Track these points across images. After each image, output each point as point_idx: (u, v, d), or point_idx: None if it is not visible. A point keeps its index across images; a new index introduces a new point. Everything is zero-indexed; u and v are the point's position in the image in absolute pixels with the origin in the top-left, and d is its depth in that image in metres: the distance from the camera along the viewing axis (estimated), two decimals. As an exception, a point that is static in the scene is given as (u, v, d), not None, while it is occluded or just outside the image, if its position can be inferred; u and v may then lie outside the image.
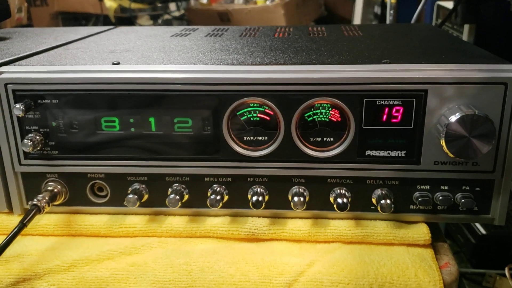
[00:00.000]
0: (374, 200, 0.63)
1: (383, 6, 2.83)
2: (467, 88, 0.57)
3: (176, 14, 3.79)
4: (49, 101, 0.62)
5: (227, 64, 0.62)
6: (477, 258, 1.26)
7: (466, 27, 1.30)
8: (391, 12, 2.80)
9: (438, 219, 0.64)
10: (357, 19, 2.79)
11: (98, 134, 0.63)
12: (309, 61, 0.63)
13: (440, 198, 0.62)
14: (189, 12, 3.84)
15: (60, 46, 0.79)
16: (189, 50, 0.72)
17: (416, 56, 0.66)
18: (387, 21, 2.47)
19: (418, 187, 0.62)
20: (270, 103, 0.59)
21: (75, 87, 0.61)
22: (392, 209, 0.60)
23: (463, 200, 0.61)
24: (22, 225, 0.59)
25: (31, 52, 0.73)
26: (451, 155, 0.57)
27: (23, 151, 0.64)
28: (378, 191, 0.62)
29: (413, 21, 1.25)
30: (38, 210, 0.62)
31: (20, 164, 0.65)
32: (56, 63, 0.65)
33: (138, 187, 0.65)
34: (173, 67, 0.62)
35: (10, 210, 0.67)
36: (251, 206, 0.62)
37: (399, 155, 0.61)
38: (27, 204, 0.67)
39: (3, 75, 0.61)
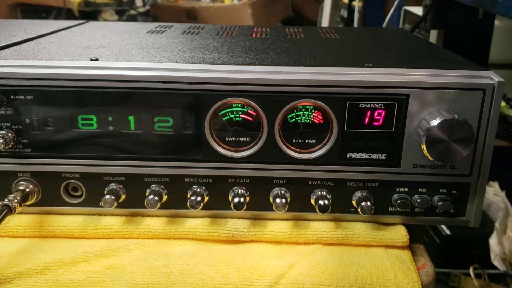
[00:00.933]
0: (354, 202, 0.63)
1: (350, 9, 2.87)
2: (447, 93, 0.58)
3: (142, 10, 3.73)
4: (23, 97, 0.59)
5: (210, 63, 0.61)
6: (442, 258, 1.29)
7: (434, 32, 1.33)
8: (358, 15, 2.84)
9: (415, 221, 0.65)
10: (324, 22, 2.82)
11: (74, 132, 0.61)
12: (292, 63, 0.62)
13: (418, 200, 0.62)
14: (155, 8, 3.80)
15: (31, 40, 0.76)
16: (168, 48, 0.71)
17: (396, 60, 0.67)
18: (355, 25, 2.51)
19: (397, 189, 0.63)
20: (253, 103, 0.59)
21: (52, 83, 0.59)
22: (372, 211, 0.61)
23: (440, 203, 0.62)
24: (-8, 226, 0.57)
25: (0, 45, 0.70)
26: (431, 159, 0.58)
27: (-6, 149, 0.61)
28: (358, 193, 0.63)
29: (384, 25, 1.27)
30: (9, 210, 0.59)
31: (-10, 163, 0.62)
32: (30, 57, 0.63)
33: (115, 187, 0.63)
34: (155, 64, 0.60)
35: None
36: (232, 208, 0.61)
37: (380, 157, 0.61)
38: (-3, 204, 0.64)
39: (-26, 69, 0.58)
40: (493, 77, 0.58)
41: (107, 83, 0.59)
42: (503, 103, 1.54)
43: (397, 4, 1.52)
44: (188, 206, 0.61)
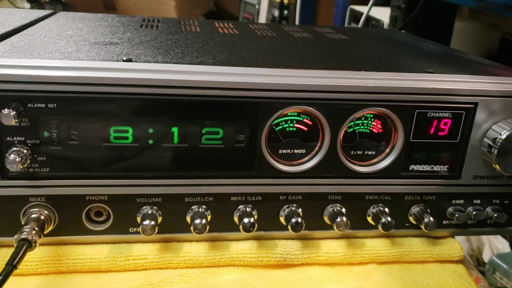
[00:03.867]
0: (411, 218, 0.59)
1: (282, 7, 2.85)
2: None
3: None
4: (43, 105, 0.48)
5: (268, 67, 0.53)
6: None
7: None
8: (286, 12, 2.83)
9: (467, 233, 0.63)
10: (262, 18, 2.78)
11: (104, 147, 0.51)
12: (349, 66, 0.57)
13: (473, 213, 0.60)
14: (69, -4, 3.53)
15: (13, 33, 0.63)
16: (192, 44, 0.62)
17: (454, 66, 0.63)
18: (297, 19, 2.50)
19: (453, 201, 0.60)
20: (316, 112, 0.52)
21: (78, 89, 0.48)
22: (436, 226, 0.57)
23: (495, 215, 0.60)
24: (11, 268, 0.45)
25: (-13, 38, 0.57)
26: (499, 170, 0.56)
27: (2, 169, 0.49)
28: (414, 208, 0.59)
29: (360, 24, 1.25)
30: (29, 245, 0.48)
31: (-4, 186, 0.50)
32: (43, 55, 0.51)
33: (149, 210, 0.53)
34: (204, 68, 0.51)
35: (-26, 243, 0.52)
36: (290, 229, 0.54)
37: (442, 169, 0.58)
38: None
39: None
40: (552, 85, 0.57)
41: (148, 90, 0.49)
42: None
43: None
44: (241, 229, 0.53)
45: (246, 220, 0.53)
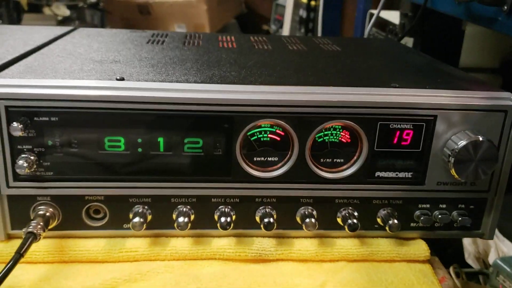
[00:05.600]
0: (379, 220, 0.64)
1: (309, 9, 2.90)
2: (472, 114, 0.60)
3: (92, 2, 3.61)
4: (47, 119, 0.56)
5: (244, 83, 0.60)
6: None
7: (410, 39, 1.38)
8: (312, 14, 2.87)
9: (434, 235, 0.67)
10: (287, 20, 2.84)
11: (100, 154, 0.59)
12: (322, 82, 0.63)
13: (439, 216, 0.65)
14: (107, 2, 3.68)
15: (32, 52, 0.72)
16: (184, 64, 0.69)
17: (418, 80, 0.68)
18: (319, 23, 2.54)
19: (420, 206, 0.65)
20: (285, 124, 0.59)
21: (77, 105, 0.56)
22: (400, 228, 0.63)
23: (460, 218, 0.64)
24: (19, 256, 0.54)
25: (6, 60, 0.66)
26: (457, 177, 0.61)
27: (13, 172, 0.58)
28: (383, 211, 0.64)
29: (367, 29, 1.29)
30: (35, 237, 0.56)
31: (8, 187, 0.58)
32: (49, 75, 0.60)
33: (140, 209, 0.61)
34: (187, 86, 0.59)
35: (-7, 236, 0.61)
36: (262, 228, 0.61)
37: (406, 176, 0.63)
38: (12, 230, 0.61)
39: (-6, 89, 0.55)
40: (512, 98, 0.61)
41: (137, 105, 0.57)
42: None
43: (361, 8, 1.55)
44: (218, 227, 0.60)
45: (223, 219, 0.61)
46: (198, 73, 0.64)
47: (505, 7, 0.75)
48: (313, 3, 2.87)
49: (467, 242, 1.35)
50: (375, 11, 1.91)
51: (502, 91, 0.63)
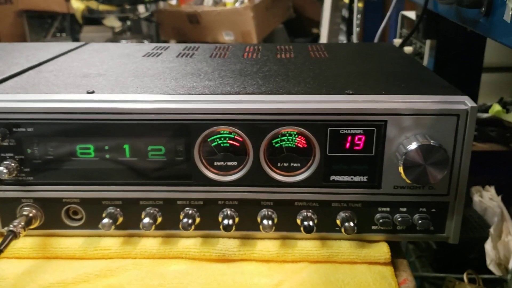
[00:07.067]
0: (338, 222, 0.66)
1: (351, 10, 2.88)
2: (423, 119, 0.61)
3: (145, 15, 3.77)
4: (24, 129, 0.63)
5: (199, 94, 0.65)
6: (438, 262, 1.32)
7: (428, 41, 1.36)
8: (358, 16, 2.86)
9: (398, 238, 0.68)
10: (325, 23, 2.84)
11: (73, 161, 0.65)
12: (276, 90, 0.66)
13: (399, 219, 0.66)
14: (158, 13, 3.83)
15: (32, 68, 0.80)
16: (162, 75, 0.75)
17: (377, 86, 0.70)
18: (354, 25, 2.52)
19: (379, 209, 0.66)
20: (239, 131, 0.62)
21: (51, 116, 0.63)
22: (355, 231, 0.64)
23: (420, 221, 0.65)
24: (-2, 252, 0.61)
25: (4, 76, 0.74)
26: (408, 181, 0.62)
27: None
28: (342, 214, 0.66)
29: (378, 33, 1.30)
30: (14, 235, 0.63)
31: (-5, 190, 0.66)
32: (30, 90, 0.67)
33: (112, 210, 0.67)
34: (148, 96, 0.64)
35: (-15, 234, 0.69)
36: (221, 229, 0.65)
37: (362, 180, 0.65)
38: (3, 228, 0.68)
39: (-22, 104, 0.62)
40: (467, 102, 0.61)
41: (102, 116, 0.63)
42: (499, 107, 1.56)
43: (393, 9, 1.55)
44: (180, 227, 0.65)
45: (184, 220, 0.65)
46: (165, 84, 0.69)
47: (483, 9, 0.75)
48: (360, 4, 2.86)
49: (489, 247, 1.32)
50: (406, 13, 1.90)
51: (460, 94, 0.63)
